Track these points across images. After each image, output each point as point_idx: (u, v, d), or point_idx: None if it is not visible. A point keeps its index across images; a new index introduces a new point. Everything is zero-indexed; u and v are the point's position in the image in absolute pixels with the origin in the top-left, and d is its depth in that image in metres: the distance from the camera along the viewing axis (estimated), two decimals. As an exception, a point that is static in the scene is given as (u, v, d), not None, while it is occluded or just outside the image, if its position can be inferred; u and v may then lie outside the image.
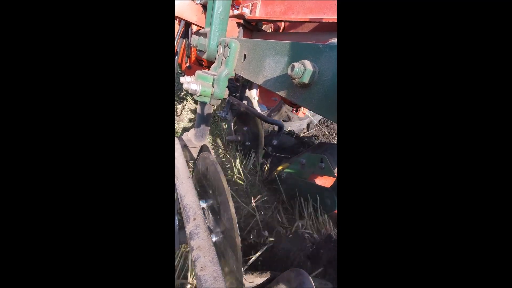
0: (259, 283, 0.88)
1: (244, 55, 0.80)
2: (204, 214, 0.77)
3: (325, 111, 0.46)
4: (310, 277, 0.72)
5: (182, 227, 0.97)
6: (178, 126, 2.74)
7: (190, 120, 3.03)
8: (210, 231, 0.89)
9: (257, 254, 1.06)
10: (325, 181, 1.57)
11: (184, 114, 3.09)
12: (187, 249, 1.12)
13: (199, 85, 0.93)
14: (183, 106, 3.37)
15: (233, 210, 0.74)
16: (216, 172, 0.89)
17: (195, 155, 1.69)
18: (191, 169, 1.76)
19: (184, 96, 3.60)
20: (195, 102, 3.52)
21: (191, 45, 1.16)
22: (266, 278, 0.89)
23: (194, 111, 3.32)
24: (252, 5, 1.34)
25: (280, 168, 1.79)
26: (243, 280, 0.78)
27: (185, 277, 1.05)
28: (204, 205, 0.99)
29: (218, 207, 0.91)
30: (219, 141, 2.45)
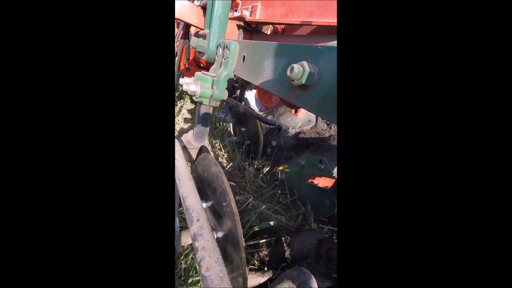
0: (262, 281, 0.89)
1: (244, 56, 0.81)
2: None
3: (325, 112, 0.46)
4: (312, 276, 0.72)
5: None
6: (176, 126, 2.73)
7: (186, 120, 3.02)
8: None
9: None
10: (324, 182, 1.58)
11: (180, 115, 3.08)
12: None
13: (198, 86, 0.93)
14: (180, 106, 3.36)
15: (235, 209, 0.75)
16: (217, 172, 0.90)
17: (194, 156, 1.69)
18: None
19: (183, 95, 3.59)
20: (193, 102, 3.51)
21: (191, 47, 1.17)
22: (268, 276, 0.89)
23: (190, 111, 3.31)
24: (252, 7, 1.35)
25: (280, 169, 1.80)
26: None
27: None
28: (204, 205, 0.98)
29: (219, 206, 0.91)
30: (218, 142, 2.45)
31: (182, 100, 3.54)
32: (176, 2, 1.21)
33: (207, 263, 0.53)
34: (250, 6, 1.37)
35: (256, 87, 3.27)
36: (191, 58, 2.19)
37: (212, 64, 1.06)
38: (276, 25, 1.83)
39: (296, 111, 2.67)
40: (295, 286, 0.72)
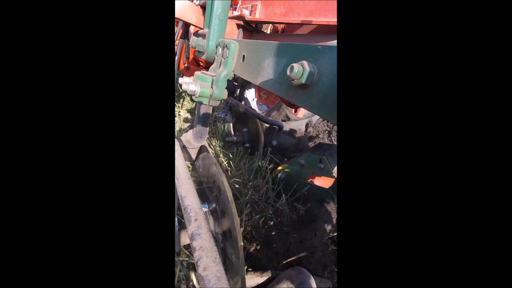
0: (260, 282, 0.89)
1: (243, 56, 0.81)
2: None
3: (325, 112, 0.46)
4: (311, 276, 0.72)
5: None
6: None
7: (186, 120, 3.01)
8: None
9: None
10: (324, 182, 1.58)
11: (180, 115, 3.08)
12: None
13: (198, 86, 0.93)
14: (180, 106, 3.35)
15: (234, 209, 0.75)
16: (216, 172, 0.90)
17: (194, 156, 1.69)
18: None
19: (182, 95, 3.59)
20: (194, 102, 3.51)
21: (190, 46, 1.16)
22: (267, 277, 0.89)
23: (189, 111, 3.30)
24: (252, 7, 1.35)
25: (279, 168, 1.80)
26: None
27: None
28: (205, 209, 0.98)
29: (219, 206, 0.91)
30: (218, 142, 2.45)
31: (182, 100, 3.54)
32: (175, 1, 1.21)
33: (205, 262, 0.53)
34: (249, 5, 1.36)
35: (256, 95, 3.25)
36: (190, 57, 2.19)
37: (212, 63, 1.06)
38: (276, 24, 1.83)
39: (296, 110, 2.67)
40: (293, 287, 0.72)
